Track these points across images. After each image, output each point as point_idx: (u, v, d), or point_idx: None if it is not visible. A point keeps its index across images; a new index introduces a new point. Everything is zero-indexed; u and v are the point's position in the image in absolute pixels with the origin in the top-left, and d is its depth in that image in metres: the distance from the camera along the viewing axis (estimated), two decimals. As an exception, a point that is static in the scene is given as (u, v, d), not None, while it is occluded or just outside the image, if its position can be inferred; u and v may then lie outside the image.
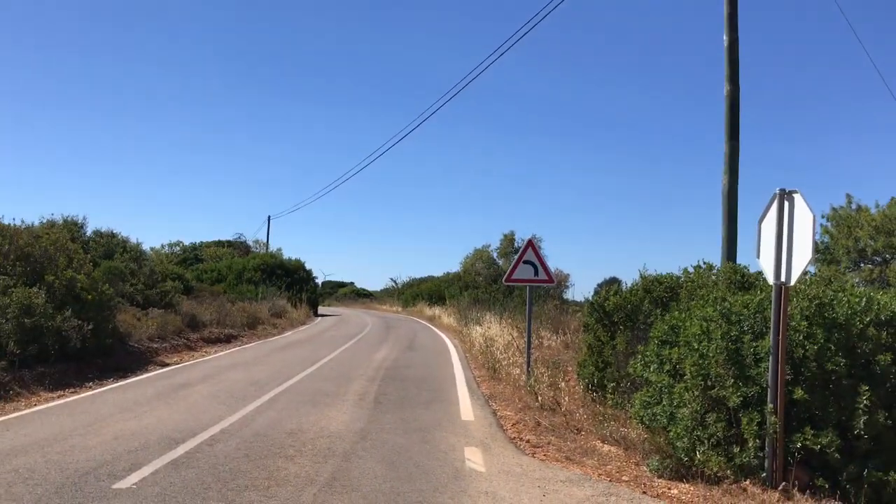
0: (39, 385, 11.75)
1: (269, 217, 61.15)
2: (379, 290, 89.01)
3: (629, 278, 23.74)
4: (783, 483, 6.45)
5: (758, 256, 7.08)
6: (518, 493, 6.44)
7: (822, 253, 25.52)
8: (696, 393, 6.92)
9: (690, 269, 10.42)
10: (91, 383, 12.64)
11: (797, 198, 6.76)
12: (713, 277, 9.99)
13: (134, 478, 6.40)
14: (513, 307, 26.74)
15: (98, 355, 14.50)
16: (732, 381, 6.76)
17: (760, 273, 8.47)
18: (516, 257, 13.63)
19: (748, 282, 9.35)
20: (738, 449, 6.65)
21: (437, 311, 41.40)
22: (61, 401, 10.81)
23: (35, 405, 10.37)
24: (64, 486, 6.11)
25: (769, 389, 6.58)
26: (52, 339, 12.88)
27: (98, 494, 5.88)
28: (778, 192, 6.83)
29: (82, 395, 11.47)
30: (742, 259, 14.18)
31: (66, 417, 9.35)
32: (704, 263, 10.41)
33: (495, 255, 49.70)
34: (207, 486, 6.20)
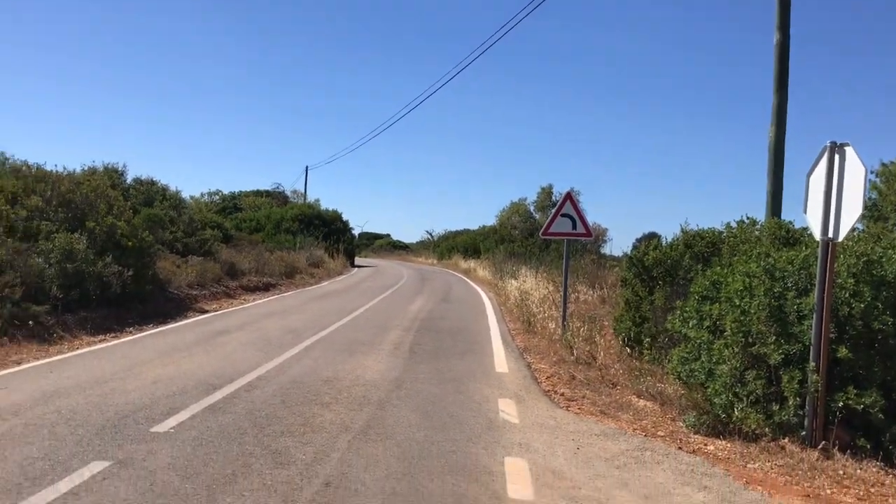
0: (81, 329, 11.98)
1: (306, 167, 61.34)
2: (415, 242, 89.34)
3: (669, 234, 23.45)
4: (823, 442, 6.34)
5: (805, 211, 6.87)
6: (552, 445, 6.42)
7: (869, 209, 24.83)
8: (737, 349, 6.80)
9: (733, 224, 10.20)
10: (131, 328, 12.86)
11: (849, 151, 6.52)
12: (756, 233, 9.77)
13: (172, 422, 6.49)
14: (549, 261, 26.62)
15: (138, 301, 14.74)
16: (774, 338, 6.62)
17: (806, 229, 8.25)
18: (554, 210, 13.47)
19: (793, 237, 9.12)
20: (778, 407, 6.54)
21: (472, 264, 41.40)
22: (102, 345, 11.02)
23: (77, 348, 10.58)
24: (104, 427, 6.22)
25: (812, 347, 6.43)
26: (94, 284, 13.10)
27: (137, 437, 5.97)
28: (829, 144, 6.59)
29: (123, 339, 11.67)
30: (787, 215, 13.87)
31: (106, 361, 9.52)
32: (748, 218, 10.17)
33: (532, 208, 49.44)
34: (244, 432, 6.27)
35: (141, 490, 4.74)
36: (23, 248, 12.27)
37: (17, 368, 8.89)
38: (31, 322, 11.00)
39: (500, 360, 10.98)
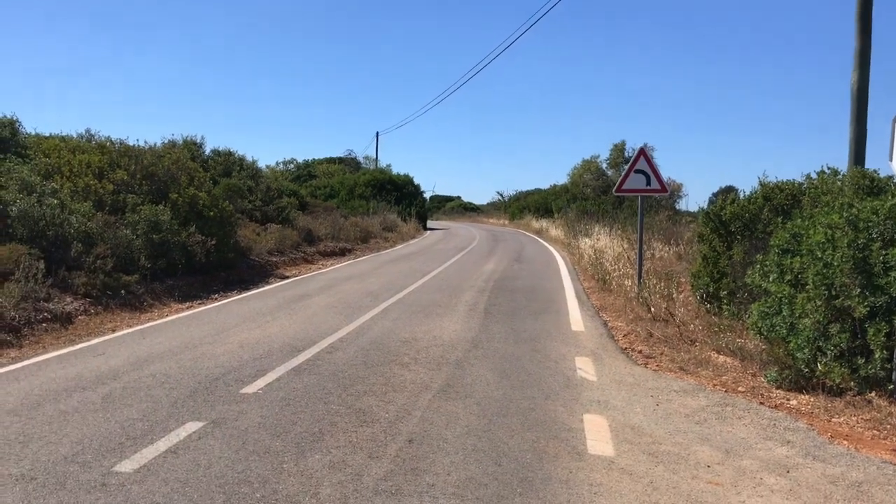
0: (169, 297, 12.48)
1: (377, 133, 61.66)
2: (485, 203, 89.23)
3: (746, 188, 22.81)
4: (912, 396, 6.19)
5: (890, 159, 6.64)
6: (630, 402, 6.44)
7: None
8: (819, 303, 6.65)
9: (814, 175, 9.88)
10: (216, 295, 13.33)
11: (938, 94, 6.23)
12: (839, 183, 9.45)
13: (260, 383, 6.76)
14: (623, 218, 26.27)
15: (221, 269, 15.24)
16: (859, 290, 6.45)
17: (892, 177, 7.95)
18: (627, 167, 13.28)
19: (878, 186, 8.78)
20: (864, 361, 6.39)
21: (544, 223, 41.17)
22: (189, 311, 11.47)
23: (166, 315, 11.04)
24: (196, 390, 6.52)
25: (900, 299, 6.24)
26: (179, 253, 13.59)
27: (228, 398, 6.25)
28: (916, 88, 6.32)
29: (208, 306, 12.12)
30: (871, 163, 13.36)
31: (195, 327, 9.92)
32: (829, 169, 9.84)
33: (604, 165, 48.55)
34: (328, 392, 6.49)
35: (234, 448, 4.98)
36: (112, 220, 12.80)
37: (112, 336, 9.35)
38: (122, 291, 11.52)
39: (576, 318, 10.99)
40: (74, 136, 18.05)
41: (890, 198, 7.20)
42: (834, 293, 6.59)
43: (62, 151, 14.70)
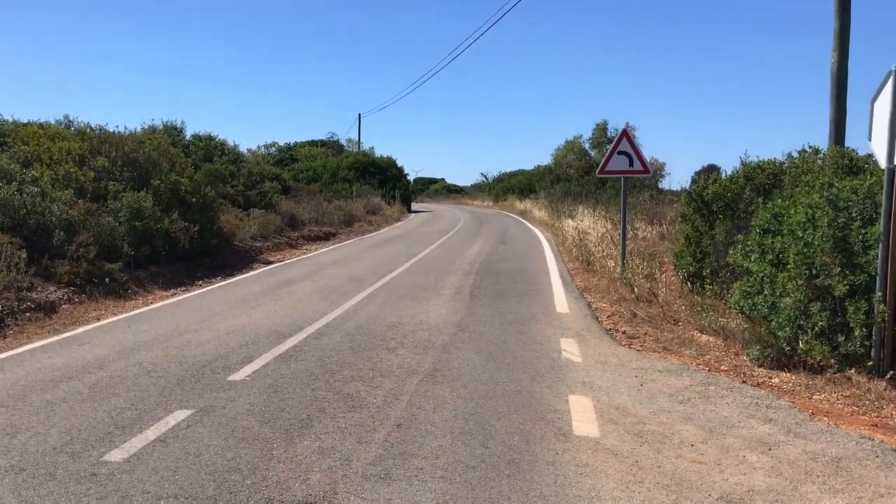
0: (154, 284, 12.44)
1: (359, 115, 61.43)
2: (470, 185, 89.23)
3: (729, 166, 22.95)
4: (891, 372, 6.30)
5: (869, 139, 6.70)
6: (615, 382, 6.52)
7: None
8: (800, 282, 6.74)
9: (795, 155, 9.98)
10: (201, 281, 13.30)
11: (916, 74, 6.30)
12: (819, 162, 9.55)
13: (247, 370, 6.78)
14: (606, 199, 26.40)
15: (205, 255, 15.21)
16: (839, 269, 6.54)
17: (871, 157, 8.04)
18: (610, 148, 13.32)
19: (857, 166, 8.90)
20: (844, 338, 6.49)
21: (528, 205, 41.26)
22: (174, 298, 11.44)
23: (151, 303, 11.02)
24: (184, 378, 6.53)
25: (878, 277, 6.34)
26: (162, 240, 13.54)
27: (215, 386, 6.27)
28: (893, 69, 6.38)
29: (193, 292, 12.09)
30: (851, 143, 13.47)
31: (180, 314, 9.91)
32: (810, 148, 9.94)
33: (587, 146, 48.59)
34: (316, 378, 6.52)
35: (223, 435, 5.01)
36: (94, 207, 12.72)
37: (97, 324, 9.32)
38: (106, 279, 11.47)
39: (561, 300, 11.06)
40: (53, 122, 17.86)
41: (869, 177, 7.30)
42: (814, 272, 6.68)
43: (41, 139, 14.55)
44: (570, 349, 7.79)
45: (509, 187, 57.02)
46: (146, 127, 22.76)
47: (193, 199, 15.14)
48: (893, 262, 6.25)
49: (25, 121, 17.10)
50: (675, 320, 9.25)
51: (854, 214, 6.79)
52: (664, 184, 37.51)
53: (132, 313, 10.11)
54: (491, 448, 4.80)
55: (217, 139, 26.20)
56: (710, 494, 4.14)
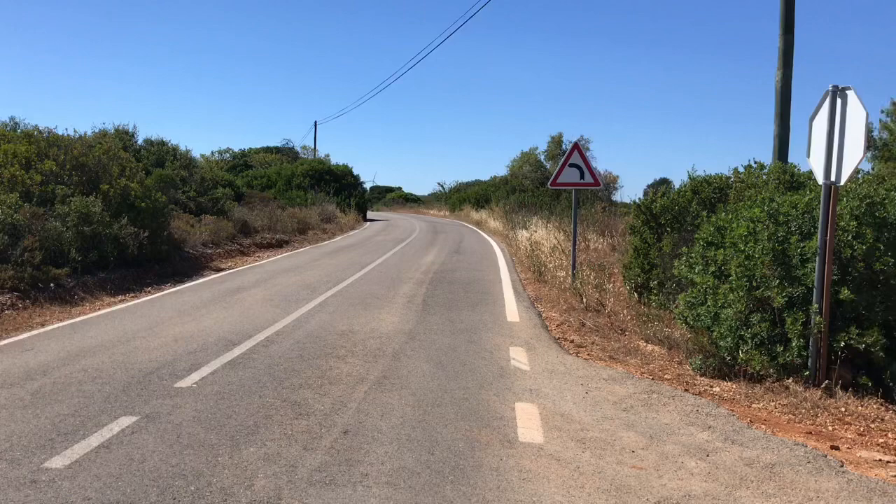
0: (101, 290, 12.25)
1: (315, 122, 61.48)
2: (427, 194, 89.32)
3: (680, 180, 23.36)
4: (826, 381, 6.52)
5: (808, 156, 6.94)
6: (561, 390, 6.63)
7: (879, 150, 24.70)
8: (741, 294, 6.94)
9: (741, 169, 10.25)
10: (150, 288, 13.13)
11: (850, 95, 6.56)
12: (763, 177, 9.83)
13: (194, 377, 6.73)
14: (560, 210, 26.67)
15: (155, 261, 14.99)
16: (778, 281, 6.76)
17: (811, 173, 8.32)
18: (562, 161, 13.52)
19: (798, 182, 9.19)
20: (782, 348, 6.71)
21: (483, 215, 41.46)
22: (122, 305, 11.28)
23: (98, 309, 10.85)
24: (130, 384, 6.47)
25: (815, 289, 6.57)
26: (111, 246, 13.33)
27: (162, 392, 6.22)
28: (830, 88, 6.63)
29: (142, 299, 11.93)
30: (795, 158, 13.87)
31: (128, 320, 9.77)
32: (756, 163, 10.22)
33: (543, 157, 49.06)
34: (263, 385, 6.50)
35: (168, 442, 4.98)
36: (40, 212, 12.49)
37: (41, 330, 9.16)
38: (52, 285, 11.27)
39: (512, 309, 11.17)
40: (-1, 124, 17.50)
41: (808, 192, 7.55)
42: (755, 284, 6.89)
43: (-14, 141, 14.25)
44: (518, 357, 7.89)
45: (465, 197, 57.21)
46: (97, 130, 22.46)
47: (144, 205, 14.94)
48: (829, 275, 6.48)
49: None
50: (622, 330, 9.42)
51: (793, 228, 7.03)
52: (617, 196, 38.04)
53: (78, 319, 9.94)
54: (436, 454, 4.85)
55: (169, 144, 25.91)
56: (648, 499, 4.25)
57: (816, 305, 6.54)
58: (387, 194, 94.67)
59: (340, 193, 42.44)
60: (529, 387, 6.71)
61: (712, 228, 7.93)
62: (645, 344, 8.63)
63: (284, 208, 29.78)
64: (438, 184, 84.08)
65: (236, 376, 6.79)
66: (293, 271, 16.01)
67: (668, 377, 7.24)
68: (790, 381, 6.67)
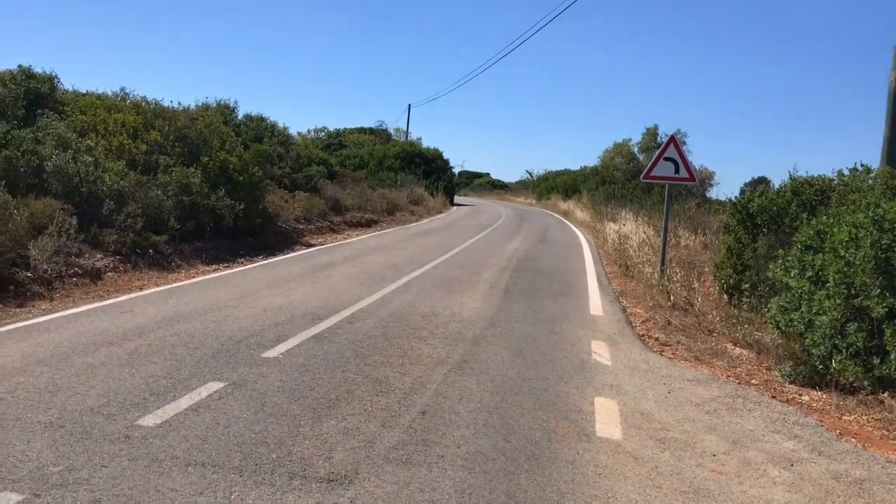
0: (196, 258, 12.71)
1: (409, 105, 61.77)
2: (514, 181, 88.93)
3: (780, 179, 22.56)
4: (925, 398, 6.21)
5: (921, 161, 6.59)
6: (643, 388, 6.53)
7: None
8: (838, 301, 6.67)
9: (845, 172, 9.82)
10: (242, 259, 13.55)
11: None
12: (869, 182, 9.39)
13: (281, 348, 6.92)
14: (650, 205, 26.13)
15: (248, 234, 15.46)
16: (879, 290, 6.46)
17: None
18: (656, 153, 13.23)
19: (907, 188, 8.74)
20: (879, 360, 6.41)
21: (570, 205, 41.05)
22: (216, 274, 11.68)
23: (193, 277, 11.26)
24: (219, 351, 6.70)
25: (919, 302, 6.25)
26: (207, 216, 13.81)
27: (249, 361, 6.42)
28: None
29: (234, 269, 12.33)
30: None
31: (220, 289, 10.12)
32: (862, 166, 9.77)
33: (636, 149, 48.05)
34: (346, 360, 6.63)
35: (253, 409, 5.14)
36: (143, 180, 13.02)
37: (139, 293, 9.57)
38: (151, 250, 11.76)
39: (596, 302, 11.05)
40: (110, 94, 18.26)
41: (918, 199, 7.18)
42: (853, 292, 6.60)
43: (98, 109, 14.91)
44: (600, 351, 7.80)
45: (553, 186, 56.69)
46: (200, 104, 23.12)
47: (241, 178, 15.39)
48: (936, 288, 6.15)
49: (84, 91, 17.54)
50: (709, 331, 9.20)
51: (899, 236, 6.69)
52: (712, 193, 36.96)
53: (174, 285, 10.35)
54: (512, 442, 4.86)
55: (268, 121, 26.50)
56: (727, 505, 4.15)
57: (920, 319, 6.22)
58: (474, 180, 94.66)
59: (429, 177, 42.71)
60: (610, 382, 6.63)
61: (812, 232, 7.63)
62: (733, 347, 8.40)
63: (375, 188, 30.19)
64: (527, 171, 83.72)
65: (321, 350, 6.94)
66: (380, 251, 16.23)
67: (755, 382, 7.04)
68: (885, 395, 6.38)
